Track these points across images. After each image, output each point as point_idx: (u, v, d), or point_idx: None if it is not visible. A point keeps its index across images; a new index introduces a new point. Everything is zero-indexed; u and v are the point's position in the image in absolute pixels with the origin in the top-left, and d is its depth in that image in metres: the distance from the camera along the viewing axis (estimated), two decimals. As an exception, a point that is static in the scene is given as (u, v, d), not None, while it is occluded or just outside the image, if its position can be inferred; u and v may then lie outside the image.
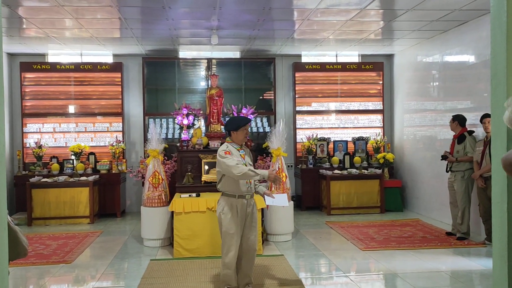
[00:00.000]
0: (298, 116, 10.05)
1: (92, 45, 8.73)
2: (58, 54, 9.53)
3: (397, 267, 5.61)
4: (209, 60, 9.95)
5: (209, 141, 7.70)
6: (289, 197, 7.06)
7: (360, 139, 9.91)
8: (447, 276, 5.36)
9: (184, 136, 8.11)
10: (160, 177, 6.84)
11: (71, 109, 9.62)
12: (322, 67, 10.04)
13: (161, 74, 10.05)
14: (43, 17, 6.82)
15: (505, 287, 2.16)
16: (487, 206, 6.24)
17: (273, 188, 6.83)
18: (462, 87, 7.65)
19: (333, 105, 10.17)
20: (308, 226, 8.04)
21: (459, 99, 7.75)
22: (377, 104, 10.25)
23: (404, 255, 6.08)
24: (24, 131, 9.41)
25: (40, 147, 9.08)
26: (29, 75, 9.51)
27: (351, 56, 10.20)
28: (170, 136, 9.78)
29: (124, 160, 9.34)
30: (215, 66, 10.03)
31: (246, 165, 4.45)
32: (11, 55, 9.43)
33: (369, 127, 10.20)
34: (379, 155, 9.56)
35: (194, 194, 6.41)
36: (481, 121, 6.47)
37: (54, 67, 9.45)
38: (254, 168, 4.56)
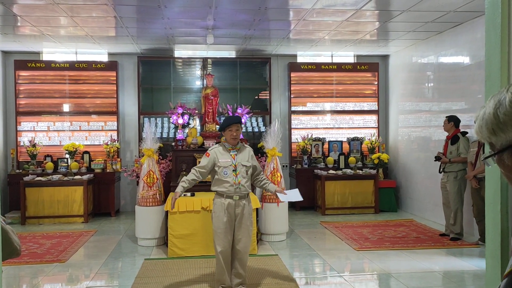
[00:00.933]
0: (293, 116, 10.07)
1: (87, 43, 8.70)
2: (53, 52, 9.48)
3: (391, 267, 5.63)
4: (205, 60, 9.94)
5: (204, 141, 7.70)
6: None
7: (355, 139, 9.94)
8: (440, 276, 5.39)
9: (179, 135, 8.10)
10: (154, 176, 6.83)
11: (66, 107, 9.58)
12: (318, 67, 10.05)
13: (156, 73, 10.03)
14: (38, 15, 6.79)
15: (498, 288, 2.17)
16: (481, 207, 6.27)
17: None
18: (457, 88, 7.69)
19: (328, 105, 10.19)
20: (303, 226, 8.05)
21: (453, 100, 7.79)
22: (372, 105, 10.28)
23: (398, 255, 6.10)
24: (18, 129, 9.36)
25: (34, 145, 9.03)
26: (23, 73, 9.46)
27: (347, 56, 10.21)
28: (165, 135, 9.76)
29: (119, 159, 9.31)
30: (210, 66, 10.01)
31: (236, 166, 4.53)
32: (5, 53, 9.37)
33: (364, 128, 10.22)
34: (374, 156, 9.59)
35: (188, 194, 6.40)
36: (475, 122, 6.49)
37: (49, 66, 9.41)
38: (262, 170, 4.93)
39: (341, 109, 10.21)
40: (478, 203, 6.44)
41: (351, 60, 10.26)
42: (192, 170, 4.61)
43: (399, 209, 9.53)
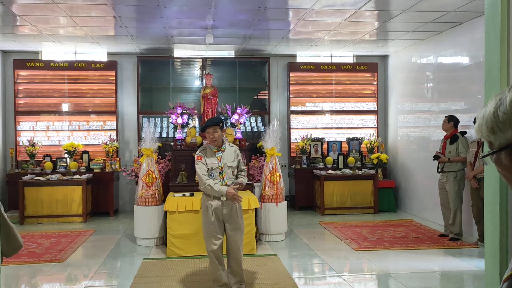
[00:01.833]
0: (292, 116, 10.06)
1: (86, 43, 8.69)
2: (52, 52, 9.47)
3: (390, 267, 5.63)
4: (204, 60, 9.94)
5: (203, 140, 7.69)
6: (283, 197, 7.08)
7: (354, 139, 9.94)
8: (440, 276, 5.39)
9: (178, 135, 8.10)
10: (153, 176, 6.82)
11: (65, 107, 9.57)
12: (317, 67, 10.05)
13: (155, 73, 10.02)
14: (37, 14, 6.78)
15: (497, 288, 2.17)
16: (480, 207, 6.26)
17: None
18: (456, 89, 7.69)
19: (327, 106, 10.19)
20: (302, 226, 8.05)
21: (452, 101, 7.79)
22: (371, 105, 10.28)
23: (397, 256, 6.10)
24: (17, 129, 9.36)
25: (33, 145, 9.02)
26: (22, 72, 9.45)
27: (346, 56, 10.21)
28: (164, 135, 9.76)
29: (118, 159, 9.31)
30: (209, 66, 10.01)
31: (222, 167, 4.55)
32: (4, 53, 9.36)
33: (363, 128, 10.23)
34: (373, 156, 9.59)
35: (187, 194, 6.40)
36: (474, 122, 6.50)
37: (48, 65, 9.40)
38: (245, 168, 4.82)
39: (340, 109, 10.21)
40: (477, 204, 6.44)
41: (350, 60, 10.26)
42: (202, 177, 4.49)
43: (398, 209, 9.53)
